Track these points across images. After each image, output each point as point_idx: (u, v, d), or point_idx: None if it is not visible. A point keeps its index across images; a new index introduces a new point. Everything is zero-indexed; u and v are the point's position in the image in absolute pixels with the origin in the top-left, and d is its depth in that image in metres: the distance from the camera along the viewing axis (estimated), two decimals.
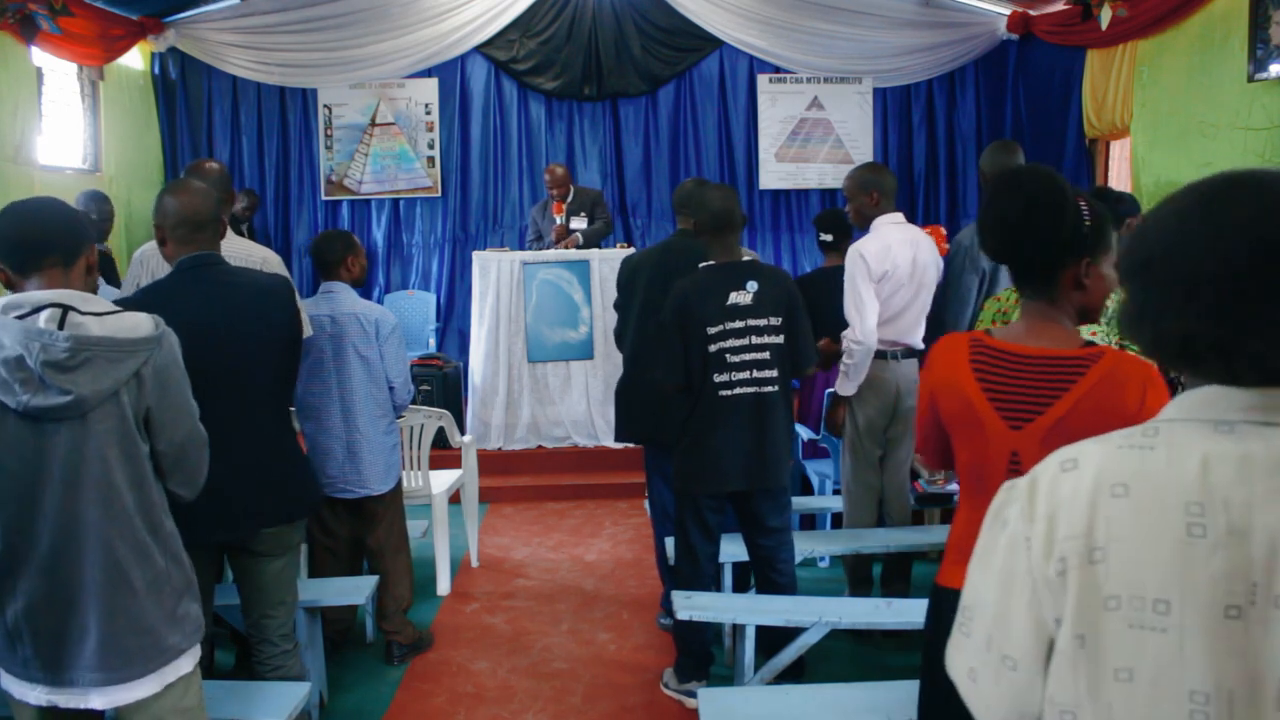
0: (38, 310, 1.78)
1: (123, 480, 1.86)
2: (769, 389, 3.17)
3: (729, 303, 3.13)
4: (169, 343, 1.93)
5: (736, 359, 3.14)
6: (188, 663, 1.99)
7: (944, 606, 1.85)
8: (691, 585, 3.29)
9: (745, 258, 3.33)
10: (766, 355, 3.15)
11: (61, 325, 1.77)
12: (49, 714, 1.92)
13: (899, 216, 3.80)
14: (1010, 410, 1.72)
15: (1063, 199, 1.74)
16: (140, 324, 1.88)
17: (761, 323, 3.15)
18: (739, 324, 3.13)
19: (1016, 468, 1.71)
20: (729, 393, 3.15)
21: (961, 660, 1.12)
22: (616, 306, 3.89)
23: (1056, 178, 1.80)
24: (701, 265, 3.28)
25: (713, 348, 3.14)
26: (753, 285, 3.15)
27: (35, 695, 1.88)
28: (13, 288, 1.89)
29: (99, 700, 1.89)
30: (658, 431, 3.67)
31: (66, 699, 1.88)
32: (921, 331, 3.84)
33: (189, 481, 2.04)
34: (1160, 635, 0.92)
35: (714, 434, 3.16)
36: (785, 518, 3.33)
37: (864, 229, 3.85)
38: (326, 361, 3.50)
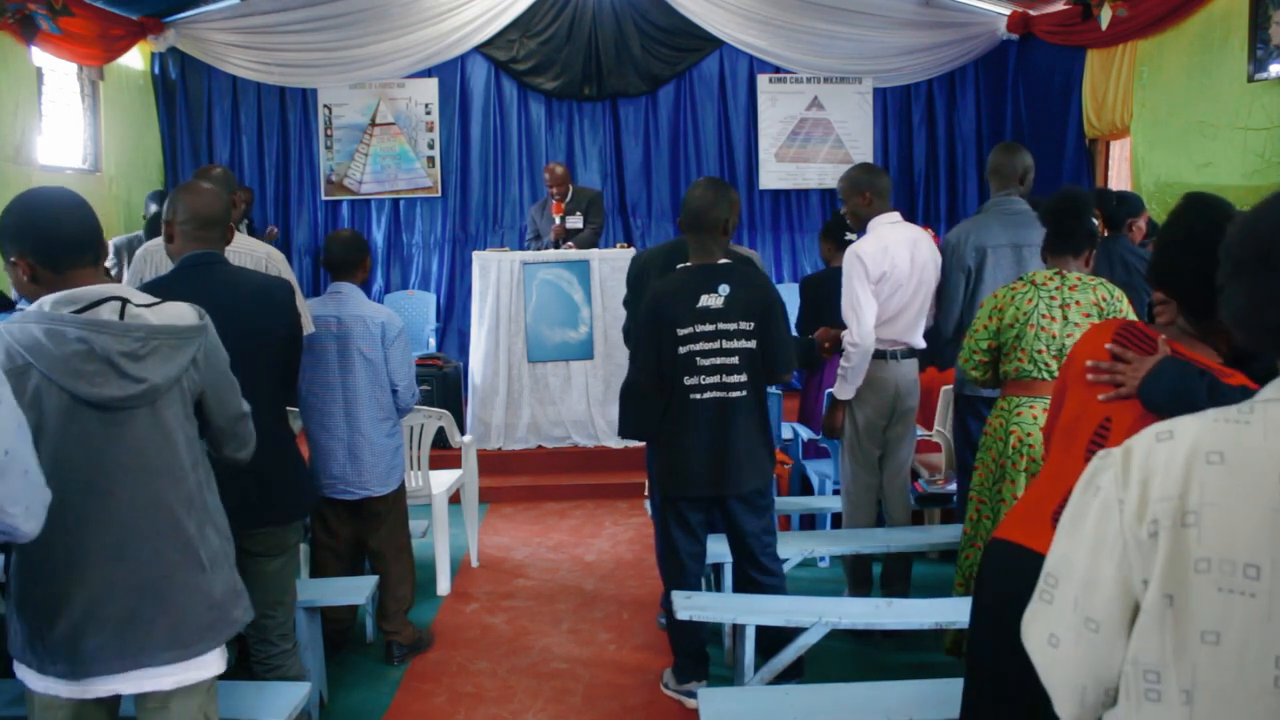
0: (94, 305, 1.81)
1: (187, 461, 1.93)
2: (736, 394, 3.12)
3: (699, 305, 3.10)
4: (212, 328, 2.02)
5: (706, 362, 3.11)
6: (223, 657, 2.03)
7: (996, 557, 1.91)
8: (677, 584, 3.28)
9: (729, 260, 3.27)
10: (735, 360, 3.11)
11: (122, 317, 1.82)
12: (85, 710, 1.91)
13: (895, 216, 3.80)
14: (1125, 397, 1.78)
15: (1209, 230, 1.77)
16: (185, 312, 1.96)
17: (731, 327, 3.10)
18: (709, 327, 3.09)
19: (1104, 432, 1.77)
20: (698, 396, 3.12)
21: (1041, 627, 1.13)
22: (626, 303, 3.89)
23: (1225, 211, 1.80)
24: (678, 266, 3.26)
25: (682, 349, 3.11)
26: (725, 288, 3.10)
27: (95, 690, 1.87)
28: (35, 282, 1.88)
29: (169, 680, 1.91)
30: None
31: (134, 684, 1.89)
32: (921, 330, 3.84)
33: (244, 447, 2.14)
34: (1249, 600, 0.94)
35: (684, 436, 3.15)
36: (764, 521, 3.27)
37: (861, 230, 3.85)
38: (331, 363, 3.50)
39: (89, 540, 1.83)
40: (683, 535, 3.30)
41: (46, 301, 1.81)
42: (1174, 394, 1.70)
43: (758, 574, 3.28)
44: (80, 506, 1.82)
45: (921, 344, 3.86)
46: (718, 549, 3.42)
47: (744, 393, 3.13)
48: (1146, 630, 1.01)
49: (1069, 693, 1.10)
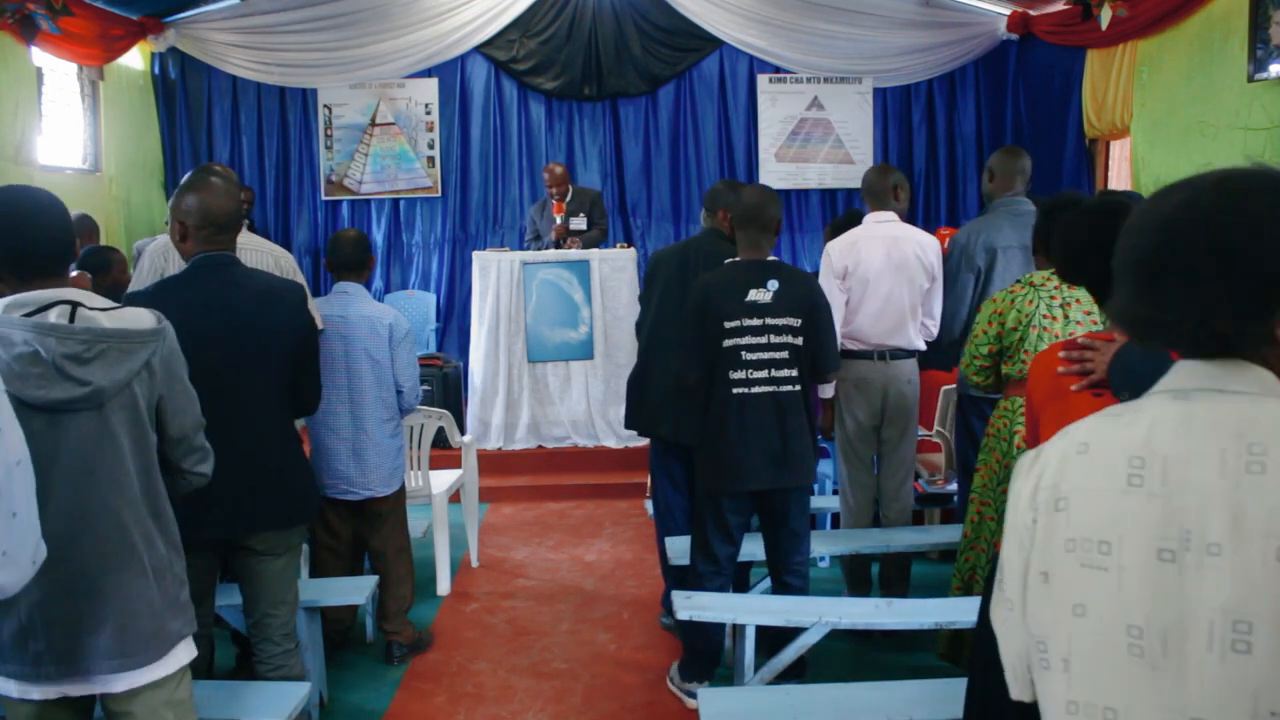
0: (45, 308, 1.81)
1: (134, 467, 1.91)
2: (787, 388, 3.14)
3: (748, 299, 3.11)
4: (170, 334, 2.01)
5: (753, 357, 3.12)
6: (185, 653, 2.00)
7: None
8: (708, 585, 3.27)
9: (776, 258, 3.31)
10: (785, 355, 3.13)
11: (72, 320, 1.82)
12: (49, 709, 1.92)
13: (885, 215, 3.82)
14: (1096, 383, 1.88)
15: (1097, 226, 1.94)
16: (143, 317, 1.95)
17: (780, 322, 3.12)
18: (756, 322, 3.11)
19: None
20: (745, 390, 3.13)
21: (997, 613, 1.22)
22: (641, 299, 3.91)
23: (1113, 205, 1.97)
24: (727, 261, 3.28)
25: (728, 343, 3.12)
26: (773, 284, 3.13)
27: (41, 691, 1.88)
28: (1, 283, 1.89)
29: (118, 684, 1.90)
30: (664, 426, 3.66)
31: (82, 687, 1.89)
32: (916, 331, 3.82)
33: (204, 460, 2.11)
34: (1103, 574, 1.03)
35: (732, 433, 3.14)
36: (806, 520, 3.32)
37: None
38: (337, 362, 3.50)
39: None
40: (719, 537, 3.27)
41: (1, 305, 1.82)
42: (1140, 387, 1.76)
43: (789, 575, 3.31)
44: None
45: (919, 345, 3.86)
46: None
47: (795, 387, 3.15)
48: (1033, 605, 1.11)
49: (1009, 669, 1.20)
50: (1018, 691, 1.18)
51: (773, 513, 3.27)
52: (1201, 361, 1.05)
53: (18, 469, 1.51)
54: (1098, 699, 1.03)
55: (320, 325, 3.34)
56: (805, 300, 3.15)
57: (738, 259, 3.25)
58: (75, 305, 1.84)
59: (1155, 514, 1.00)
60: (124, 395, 1.88)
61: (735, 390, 3.13)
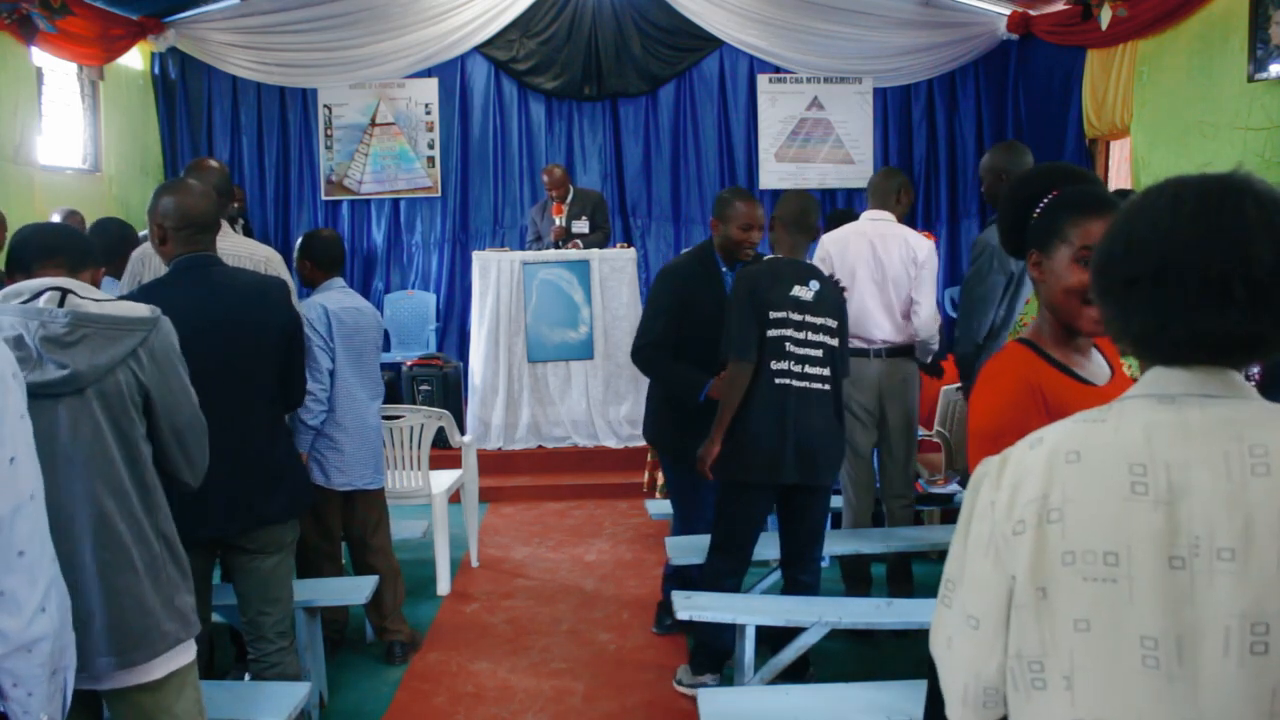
0: (38, 295, 1.83)
1: (119, 456, 1.87)
2: (818, 385, 3.18)
3: (792, 294, 3.16)
4: (166, 328, 1.97)
5: (796, 350, 3.17)
6: (184, 656, 1.97)
7: None
8: (726, 580, 3.26)
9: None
10: (820, 353, 3.18)
11: (61, 305, 1.83)
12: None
13: (874, 213, 3.91)
14: None
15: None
16: (137, 308, 1.94)
17: (819, 321, 3.18)
18: (799, 317, 3.16)
19: None
20: (786, 383, 3.15)
21: (941, 633, 1.17)
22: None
23: (1031, 170, 1.85)
24: (766, 257, 3.34)
25: (772, 333, 3.15)
26: (814, 284, 3.20)
27: None
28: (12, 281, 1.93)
29: (107, 682, 1.88)
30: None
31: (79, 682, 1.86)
32: (881, 325, 3.85)
33: (192, 466, 2.06)
34: (1111, 586, 1.01)
35: (770, 424, 3.13)
36: (825, 517, 3.37)
37: None
38: (357, 352, 3.56)
39: None
40: (749, 527, 3.26)
41: None
42: None
43: (803, 574, 3.32)
44: None
45: (890, 340, 3.84)
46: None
47: (825, 385, 3.19)
48: (1024, 624, 1.07)
49: (958, 695, 1.14)
50: (956, 716, 1.14)
51: (797, 509, 3.27)
52: (1177, 369, 1.05)
53: (30, 503, 1.43)
54: (1107, 714, 1.01)
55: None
56: (839, 305, 3.26)
57: (778, 255, 3.28)
58: (65, 292, 1.85)
59: (1161, 522, 0.99)
60: (107, 382, 1.85)
61: (777, 381, 3.14)
